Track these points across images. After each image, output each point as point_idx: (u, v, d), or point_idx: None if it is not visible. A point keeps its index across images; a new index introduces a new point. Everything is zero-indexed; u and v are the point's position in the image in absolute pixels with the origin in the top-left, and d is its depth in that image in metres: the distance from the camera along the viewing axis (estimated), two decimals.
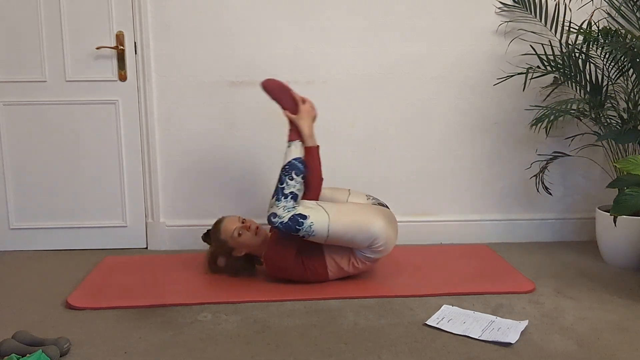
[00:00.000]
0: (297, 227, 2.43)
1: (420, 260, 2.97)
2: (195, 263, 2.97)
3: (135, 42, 3.10)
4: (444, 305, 2.40)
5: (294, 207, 2.47)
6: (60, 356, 1.99)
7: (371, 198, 2.74)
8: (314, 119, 2.68)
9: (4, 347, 1.96)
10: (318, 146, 2.63)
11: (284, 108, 2.67)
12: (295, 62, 3.16)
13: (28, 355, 1.92)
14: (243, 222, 2.67)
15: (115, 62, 3.10)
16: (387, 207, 2.74)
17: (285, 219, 2.44)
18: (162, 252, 3.21)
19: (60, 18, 3.05)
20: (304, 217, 2.44)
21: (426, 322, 2.25)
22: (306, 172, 2.57)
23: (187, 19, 3.11)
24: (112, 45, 3.08)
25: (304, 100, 2.67)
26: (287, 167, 2.54)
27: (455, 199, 3.33)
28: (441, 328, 2.20)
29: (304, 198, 2.60)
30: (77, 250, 3.24)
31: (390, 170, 3.27)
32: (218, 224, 2.71)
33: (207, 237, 2.79)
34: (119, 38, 3.07)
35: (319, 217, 2.46)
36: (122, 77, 3.12)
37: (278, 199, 2.49)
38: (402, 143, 3.26)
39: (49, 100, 3.12)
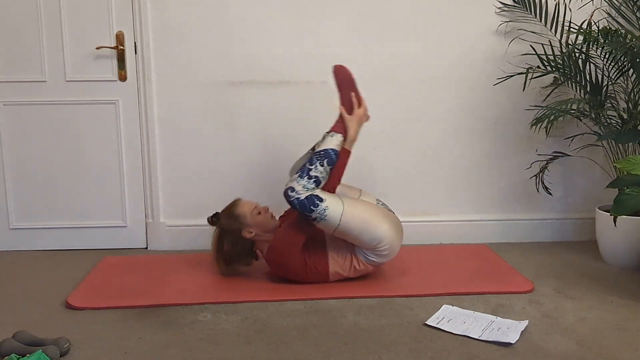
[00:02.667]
0: (311, 207, 2.44)
1: (420, 260, 2.97)
2: (195, 263, 2.97)
3: (135, 42, 3.10)
4: (444, 305, 2.40)
5: (313, 189, 2.48)
6: (60, 356, 1.99)
7: (380, 203, 2.74)
8: (363, 123, 2.66)
9: (4, 347, 1.96)
10: (351, 152, 2.62)
11: (341, 102, 2.66)
12: (295, 62, 3.16)
13: (28, 355, 1.92)
14: (256, 208, 2.68)
15: (115, 62, 3.10)
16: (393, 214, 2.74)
17: (302, 197, 2.44)
18: (162, 252, 3.21)
19: (60, 18, 3.05)
20: (321, 199, 2.45)
21: (426, 322, 2.25)
22: (333, 170, 2.57)
23: (187, 19, 3.11)
24: (112, 45, 3.08)
25: (360, 104, 2.65)
26: (322, 152, 2.54)
27: (455, 199, 3.33)
28: (441, 328, 2.20)
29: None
30: (77, 250, 3.24)
31: (390, 170, 3.27)
32: (234, 203, 2.71)
33: (215, 217, 2.74)
34: (119, 38, 3.07)
35: (334, 204, 2.47)
36: (122, 77, 3.12)
37: (301, 176, 2.49)
38: (402, 143, 3.26)
39: (49, 100, 3.12)
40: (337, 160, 2.56)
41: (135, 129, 3.17)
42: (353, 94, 2.65)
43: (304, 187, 2.47)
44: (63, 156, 3.17)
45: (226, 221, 2.68)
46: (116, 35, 3.07)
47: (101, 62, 3.10)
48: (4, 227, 3.22)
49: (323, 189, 2.59)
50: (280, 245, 2.56)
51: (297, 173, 2.53)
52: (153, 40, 3.11)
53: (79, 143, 3.17)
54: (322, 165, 2.51)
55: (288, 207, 2.85)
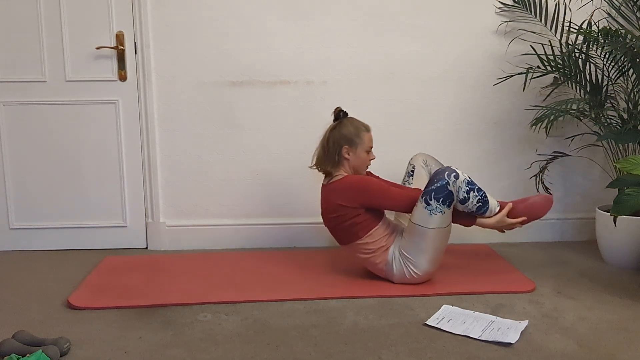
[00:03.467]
0: (441, 199, 2.44)
1: None
2: (195, 263, 2.97)
3: (135, 42, 3.10)
4: (444, 305, 2.40)
5: (456, 197, 2.46)
6: (60, 356, 1.99)
7: None
8: (498, 228, 2.63)
9: (4, 347, 1.97)
10: (473, 225, 2.60)
11: (521, 207, 2.63)
12: (295, 62, 3.16)
13: (28, 355, 1.92)
14: (370, 150, 2.69)
15: (115, 62, 3.10)
16: None
17: (450, 188, 2.44)
18: (162, 252, 3.21)
19: (60, 18, 3.05)
20: (449, 206, 2.47)
21: (426, 322, 2.25)
22: (466, 212, 2.55)
23: (187, 19, 3.11)
24: (112, 45, 3.08)
25: (517, 224, 2.62)
26: (486, 200, 2.52)
27: None
28: (441, 328, 2.20)
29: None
30: (77, 250, 3.24)
31: (390, 170, 3.27)
32: (368, 127, 2.69)
33: (343, 114, 2.72)
34: (119, 38, 3.07)
35: (446, 218, 2.50)
36: (122, 77, 3.12)
37: (468, 183, 2.47)
38: (402, 143, 3.26)
39: (49, 100, 3.12)
40: (472, 214, 2.55)
41: (135, 129, 3.17)
42: (528, 220, 2.63)
43: (459, 187, 2.46)
44: (63, 156, 3.17)
45: (351, 128, 2.66)
46: (116, 35, 3.07)
47: (101, 62, 3.10)
48: (4, 227, 3.22)
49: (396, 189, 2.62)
50: (359, 183, 2.57)
51: (469, 177, 2.50)
52: (153, 40, 3.11)
53: (79, 143, 3.17)
54: (476, 202, 2.50)
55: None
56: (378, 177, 2.89)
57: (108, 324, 2.27)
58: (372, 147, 2.70)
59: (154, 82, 3.14)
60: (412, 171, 2.94)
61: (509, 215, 2.60)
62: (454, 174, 2.46)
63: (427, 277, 2.61)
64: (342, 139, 2.66)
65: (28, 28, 3.05)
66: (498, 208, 2.58)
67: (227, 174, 3.25)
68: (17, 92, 3.11)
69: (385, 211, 2.75)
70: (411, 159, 2.97)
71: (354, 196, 2.56)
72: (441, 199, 2.45)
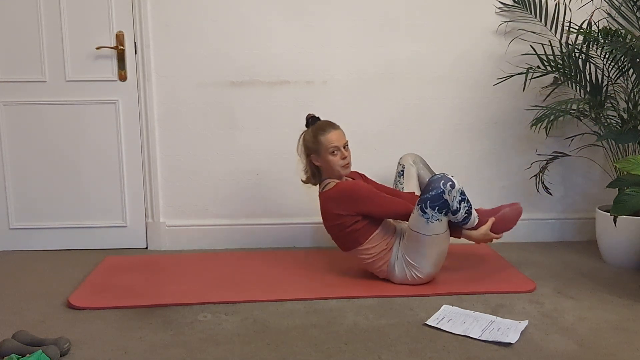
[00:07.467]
0: (437, 207, 2.42)
1: None
2: (195, 263, 2.97)
3: (135, 42, 3.10)
4: (444, 305, 2.40)
5: (450, 206, 2.44)
6: (60, 356, 1.99)
7: None
8: (477, 242, 2.62)
9: (4, 347, 1.97)
10: (459, 238, 2.60)
11: (498, 221, 2.61)
12: (295, 62, 3.16)
13: (28, 355, 1.92)
14: (344, 148, 2.64)
15: (115, 62, 3.10)
16: None
17: (446, 197, 2.41)
18: (162, 252, 3.21)
19: (60, 18, 3.05)
20: (446, 214, 2.46)
21: (426, 322, 2.25)
22: (452, 223, 2.53)
23: (187, 19, 3.11)
24: (112, 45, 3.08)
25: (497, 234, 2.62)
26: (472, 211, 2.51)
27: None
28: (441, 328, 2.20)
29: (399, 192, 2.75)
30: (77, 250, 3.24)
31: (390, 170, 3.26)
32: (328, 126, 2.64)
33: (313, 120, 2.69)
34: (119, 38, 3.07)
35: (443, 225, 2.48)
36: (122, 77, 3.12)
37: (462, 194, 2.45)
38: (402, 143, 3.26)
39: (49, 100, 3.12)
40: (460, 224, 2.52)
41: (135, 129, 3.17)
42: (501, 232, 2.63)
43: (454, 197, 2.44)
44: (63, 156, 3.17)
45: (308, 136, 2.66)
46: (116, 35, 3.07)
47: (101, 62, 3.10)
48: (4, 227, 3.22)
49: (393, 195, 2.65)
50: (354, 191, 2.54)
51: (463, 191, 2.48)
52: (153, 40, 3.11)
53: (79, 143, 3.17)
54: (464, 212, 2.48)
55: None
56: (372, 182, 2.88)
57: (108, 324, 2.27)
58: (337, 147, 2.60)
59: (154, 82, 3.14)
60: (402, 171, 2.94)
61: (493, 230, 2.60)
62: (450, 182, 2.44)
63: (428, 280, 2.61)
64: (306, 148, 2.66)
65: (28, 28, 3.05)
66: (477, 219, 2.57)
67: (227, 174, 3.25)
68: (17, 92, 3.11)
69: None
70: (400, 159, 2.97)
71: (348, 206, 2.55)
72: (437, 207, 2.43)
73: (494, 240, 2.64)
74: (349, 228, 2.57)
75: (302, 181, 2.77)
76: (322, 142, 2.61)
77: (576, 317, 2.31)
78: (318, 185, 2.74)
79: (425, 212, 2.45)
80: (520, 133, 3.29)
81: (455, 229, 2.57)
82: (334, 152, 2.60)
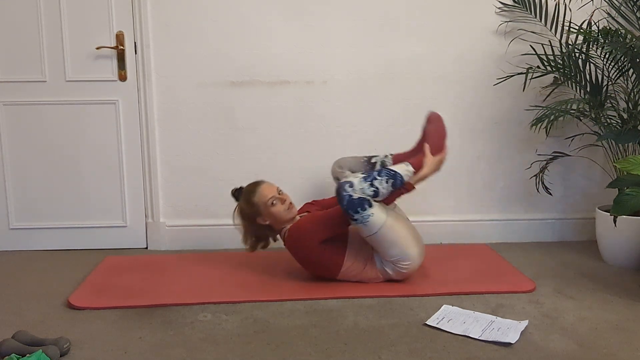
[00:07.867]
0: (359, 209, 2.42)
1: None
2: (195, 263, 2.97)
3: (135, 42, 3.10)
4: (444, 305, 2.40)
5: (368, 195, 2.44)
6: (60, 356, 1.99)
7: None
8: (435, 171, 2.65)
9: (4, 347, 1.96)
10: (414, 189, 2.61)
11: (431, 144, 2.64)
12: (295, 62, 3.16)
13: (28, 355, 1.92)
14: (279, 194, 2.67)
15: (115, 62, 3.10)
16: None
17: (355, 196, 2.42)
18: (162, 252, 3.21)
19: (60, 18, 3.05)
20: (370, 205, 2.44)
21: (426, 322, 2.25)
22: (391, 192, 2.54)
23: (187, 19, 3.11)
24: (112, 45, 3.08)
25: (442, 151, 2.65)
26: (392, 172, 2.50)
27: (455, 199, 3.33)
28: (441, 328, 2.20)
29: None
30: (77, 250, 3.24)
31: None
32: (255, 185, 2.69)
33: (237, 192, 2.75)
34: (119, 38, 3.07)
35: (379, 213, 2.47)
36: (122, 77, 3.12)
37: (365, 180, 2.46)
38: (402, 143, 3.25)
39: (49, 100, 3.12)
40: (399, 188, 2.53)
41: (135, 129, 3.17)
42: (441, 141, 2.65)
43: (361, 189, 2.44)
44: (63, 156, 3.17)
45: (243, 204, 2.69)
46: (116, 35, 3.07)
47: (101, 62, 3.10)
48: (4, 227, 3.22)
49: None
50: (302, 231, 2.56)
51: (362, 174, 2.49)
52: (153, 40, 3.11)
53: (79, 143, 3.17)
54: (387, 183, 2.47)
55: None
56: (320, 201, 2.90)
57: (108, 324, 2.27)
58: (273, 197, 2.63)
59: (154, 82, 3.14)
60: (372, 161, 2.91)
61: (433, 154, 2.61)
62: (348, 184, 2.43)
63: (420, 259, 2.60)
64: (248, 216, 2.68)
65: (28, 28, 3.05)
66: (410, 167, 2.55)
67: (227, 174, 3.25)
68: (17, 92, 3.11)
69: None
70: (331, 172, 2.94)
71: (306, 242, 2.56)
72: (358, 208, 2.42)
73: (445, 155, 2.66)
74: (322, 257, 2.57)
75: (249, 249, 2.77)
76: (258, 203, 2.64)
77: (576, 317, 2.31)
78: (280, 238, 2.75)
79: (356, 220, 2.44)
80: (520, 133, 3.29)
81: (400, 189, 2.54)
82: (272, 203, 2.63)
